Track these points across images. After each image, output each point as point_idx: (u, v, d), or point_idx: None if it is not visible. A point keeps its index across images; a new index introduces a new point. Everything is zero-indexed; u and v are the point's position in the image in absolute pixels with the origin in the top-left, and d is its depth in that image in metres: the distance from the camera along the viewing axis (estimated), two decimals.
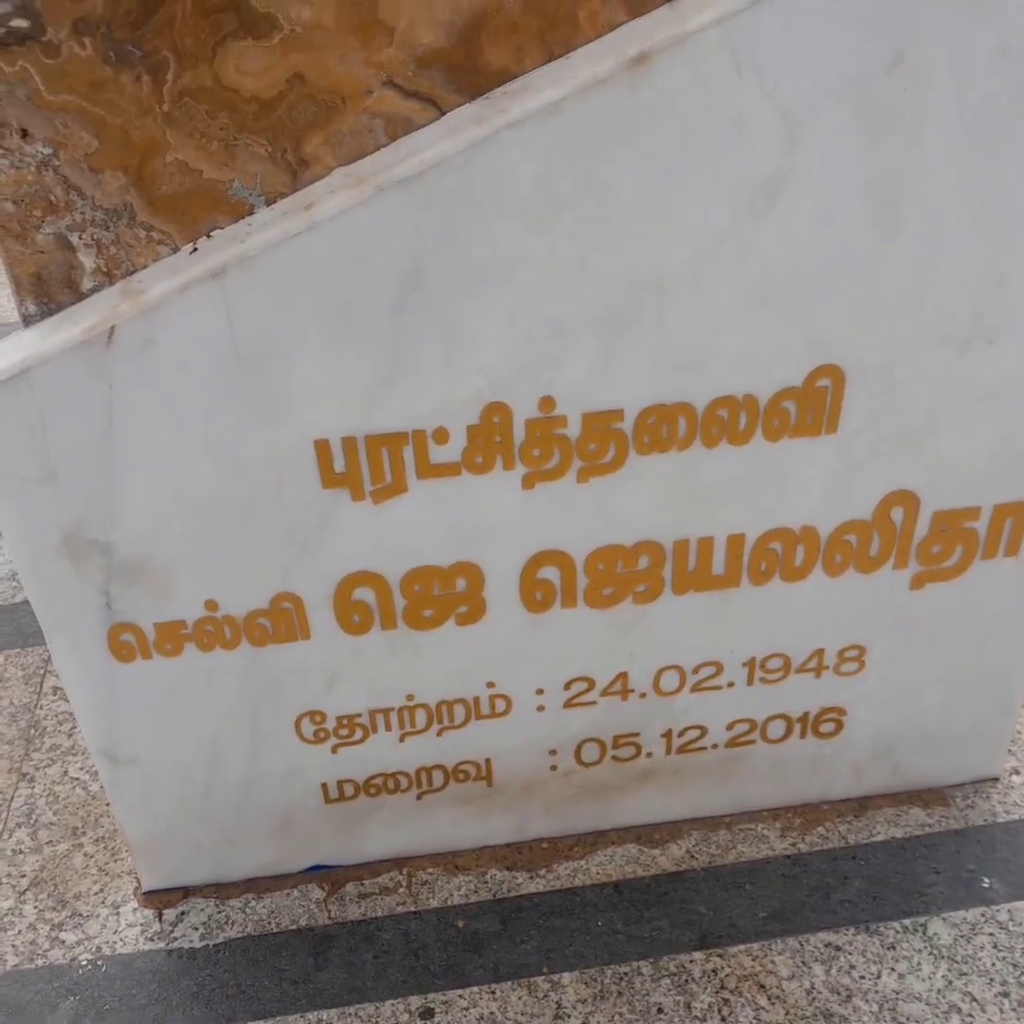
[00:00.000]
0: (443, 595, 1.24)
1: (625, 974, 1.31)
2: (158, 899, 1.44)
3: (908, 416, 1.17)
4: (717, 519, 1.23)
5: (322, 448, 1.12)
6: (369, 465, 1.13)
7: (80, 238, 1.02)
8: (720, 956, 1.33)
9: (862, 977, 1.29)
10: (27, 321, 1.05)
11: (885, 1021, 1.24)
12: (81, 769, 1.64)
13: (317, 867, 1.47)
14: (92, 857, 1.50)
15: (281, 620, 1.23)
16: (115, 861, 1.49)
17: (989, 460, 1.21)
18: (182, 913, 1.42)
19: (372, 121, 0.98)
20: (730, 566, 1.26)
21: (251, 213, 1.01)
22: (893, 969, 1.30)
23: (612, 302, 1.07)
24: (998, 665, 1.41)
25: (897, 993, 1.27)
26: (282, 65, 0.94)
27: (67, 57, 0.92)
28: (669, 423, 1.15)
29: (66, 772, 1.64)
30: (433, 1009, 1.28)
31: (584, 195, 0.99)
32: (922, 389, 1.15)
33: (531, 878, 1.45)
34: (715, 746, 1.44)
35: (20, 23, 0.90)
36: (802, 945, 1.34)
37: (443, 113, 0.98)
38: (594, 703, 1.37)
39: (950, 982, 1.28)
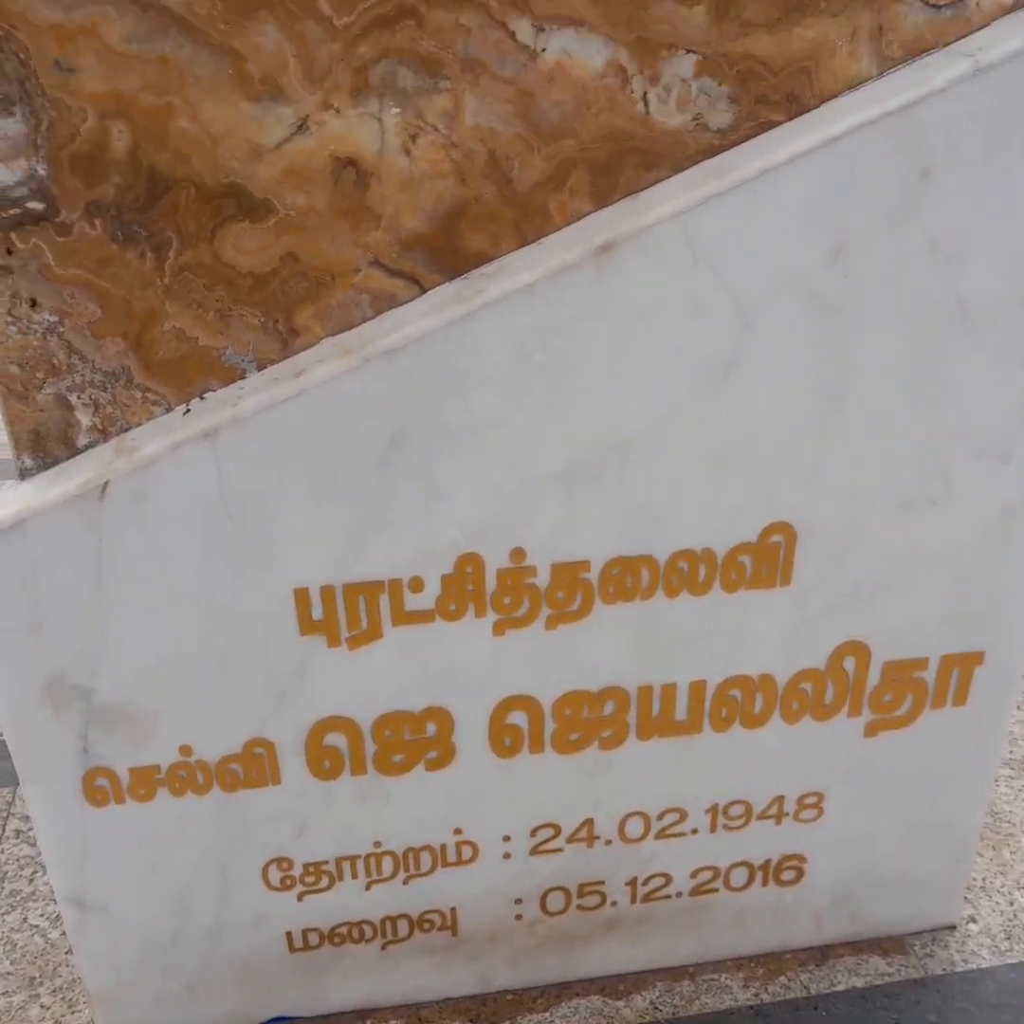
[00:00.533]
0: (413, 740, 1.27)
1: None
2: None
3: (857, 572, 1.24)
4: (679, 666, 1.28)
5: (301, 596, 1.16)
6: (346, 612, 1.18)
7: (78, 398, 1.07)
8: None
9: None
10: (23, 475, 1.10)
11: None
12: (41, 916, 1.61)
13: (279, 1018, 1.44)
14: (49, 1009, 1.46)
15: (253, 765, 1.25)
16: (72, 1013, 1.46)
17: (935, 614, 1.28)
18: None
19: (359, 296, 1.06)
20: (692, 712, 1.30)
21: (243, 377, 1.08)
22: None
23: (579, 462, 1.14)
24: (951, 812, 1.45)
25: None
26: (277, 245, 1.02)
27: (78, 236, 1.00)
28: (633, 574, 1.21)
29: (26, 919, 1.61)
30: None
31: (554, 366, 1.07)
32: (869, 547, 1.22)
33: None
34: (679, 894, 1.45)
35: (36, 205, 0.98)
36: None
37: (425, 291, 1.06)
38: (560, 850, 1.38)
39: None
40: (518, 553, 1.18)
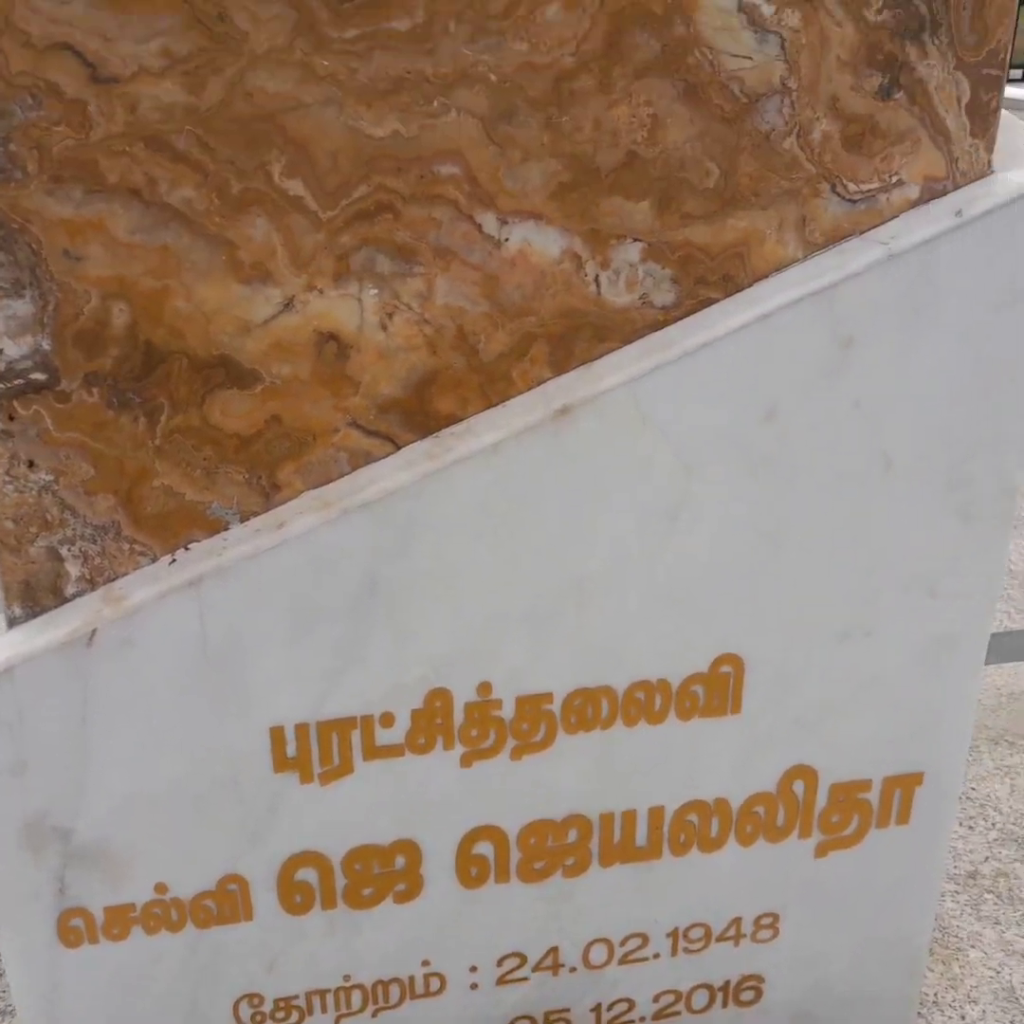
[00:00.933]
0: (382, 873, 1.31)
1: None
2: None
3: (801, 699, 1.32)
4: (639, 793, 1.34)
5: (277, 734, 1.21)
6: (319, 749, 1.23)
7: (69, 550, 1.14)
8: None
9: None
10: (12, 623, 1.15)
11: None
12: None
13: None
14: None
15: (226, 901, 1.28)
16: None
17: (875, 737, 1.36)
18: None
19: (338, 453, 1.14)
20: (652, 838, 1.36)
21: (227, 529, 1.15)
22: None
23: (541, 601, 1.22)
24: (901, 928, 1.51)
25: None
26: (262, 409, 1.11)
27: (76, 403, 1.07)
28: (593, 704, 1.28)
29: None
30: None
31: (518, 515, 1.16)
32: (811, 675, 1.31)
33: None
34: (643, 1019, 1.48)
35: (39, 376, 1.05)
36: None
37: (399, 448, 1.15)
38: (526, 979, 1.41)
39: None
40: (485, 687, 1.24)
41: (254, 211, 1.03)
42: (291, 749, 1.22)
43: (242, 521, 1.15)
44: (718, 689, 1.30)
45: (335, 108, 1.00)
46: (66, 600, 1.16)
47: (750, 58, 1.05)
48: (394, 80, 1.00)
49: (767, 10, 1.03)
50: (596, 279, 1.11)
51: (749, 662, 1.29)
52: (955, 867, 1.89)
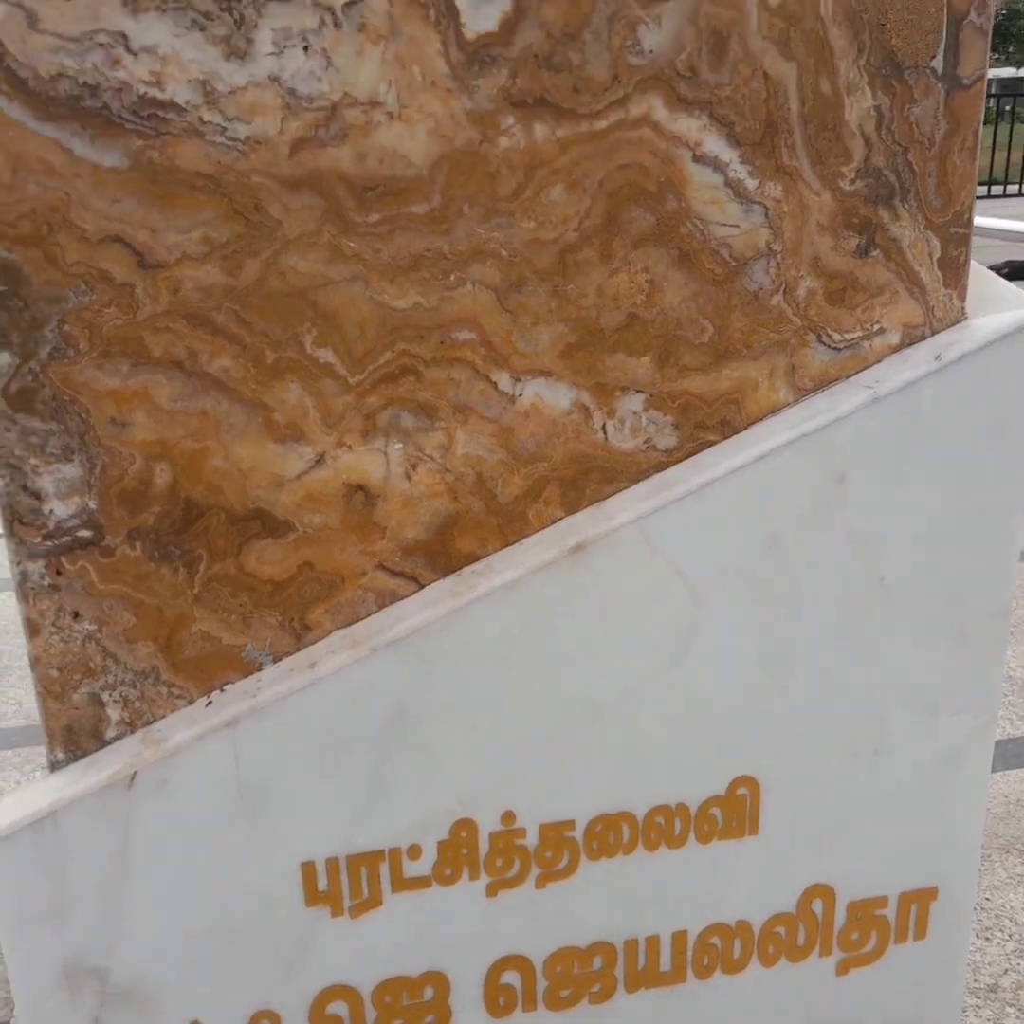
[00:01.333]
0: (412, 1005, 1.33)
1: None
2: None
3: (816, 819, 1.36)
4: (662, 918, 1.37)
5: (308, 869, 1.25)
6: (349, 882, 1.26)
7: (110, 696, 1.19)
8: None
9: None
10: (54, 767, 1.20)
11: None
12: None
13: None
14: None
15: None
16: None
17: (889, 854, 1.40)
18: None
19: (365, 594, 1.21)
20: (676, 962, 1.38)
21: (260, 669, 1.21)
22: None
23: (562, 728, 1.27)
24: None
25: None
26: (295, 556, 1.18)
27: (119, 557, 1.14)
28: (614, 831, 1.32)
29: None
30: None
31: (537, 647, 1.22)
32: (824, 795, 1.35)
33: None
34: None
35: (85, 533, 1.13)
36: None
37: (423, 587, 1.21)
38: None
39: None
40: (509, 816, 1.28)
41: (288, 377, 1.11)
42: (322, 883, 1.25)
43: (275, 661, 1.21)
44: (736, 811, 1.34)
45: (361, 284, 1.10)
46: (107, 743, 1.21)
47: (737, 226, 1.15)
48: (414, 257, 1.10)
49: (751, 184, 1.14)
50: (603, 427, 1.20)
51: (764, 784, 1.34)
52: (975, 980, 1.89)
